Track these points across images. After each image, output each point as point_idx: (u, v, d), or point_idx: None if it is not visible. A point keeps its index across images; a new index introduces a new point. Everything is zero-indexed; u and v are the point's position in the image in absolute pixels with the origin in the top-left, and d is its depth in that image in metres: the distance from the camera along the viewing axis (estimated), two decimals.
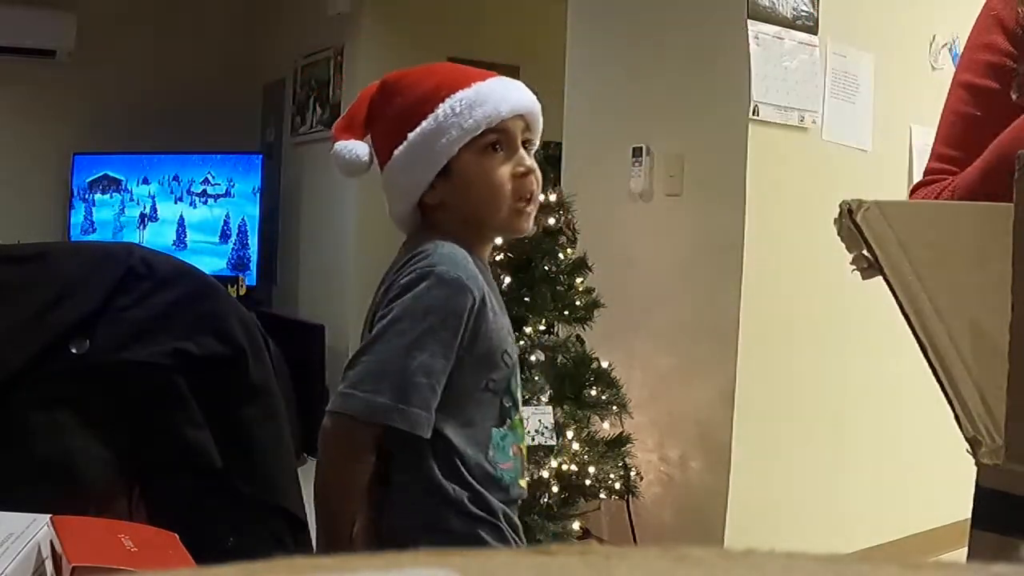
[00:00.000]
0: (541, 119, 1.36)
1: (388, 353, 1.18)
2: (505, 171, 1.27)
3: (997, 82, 1.07)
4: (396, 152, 1.29)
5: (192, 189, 4.63)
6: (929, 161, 1.15)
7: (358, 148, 1.32)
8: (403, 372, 1.17)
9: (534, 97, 1.34)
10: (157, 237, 4.64)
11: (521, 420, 1.34)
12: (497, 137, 1.27)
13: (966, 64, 1.19)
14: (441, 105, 1.26)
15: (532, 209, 1.31)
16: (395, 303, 1.20)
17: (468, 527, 1.21)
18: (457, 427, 1.24)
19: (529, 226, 1.33)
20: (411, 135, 1.27)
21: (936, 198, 1.13)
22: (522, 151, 1.29)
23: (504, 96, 1.29)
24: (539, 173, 1.32)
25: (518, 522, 1.30)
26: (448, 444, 1.23)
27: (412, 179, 1.30)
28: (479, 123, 1.26)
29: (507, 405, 1.30)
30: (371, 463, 1.18)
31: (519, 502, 1.32)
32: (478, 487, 1.22)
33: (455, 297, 1.22)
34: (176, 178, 4.65)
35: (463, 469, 1.22)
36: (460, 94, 1.27)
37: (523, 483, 1.33)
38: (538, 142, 1.37)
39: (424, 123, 1.26)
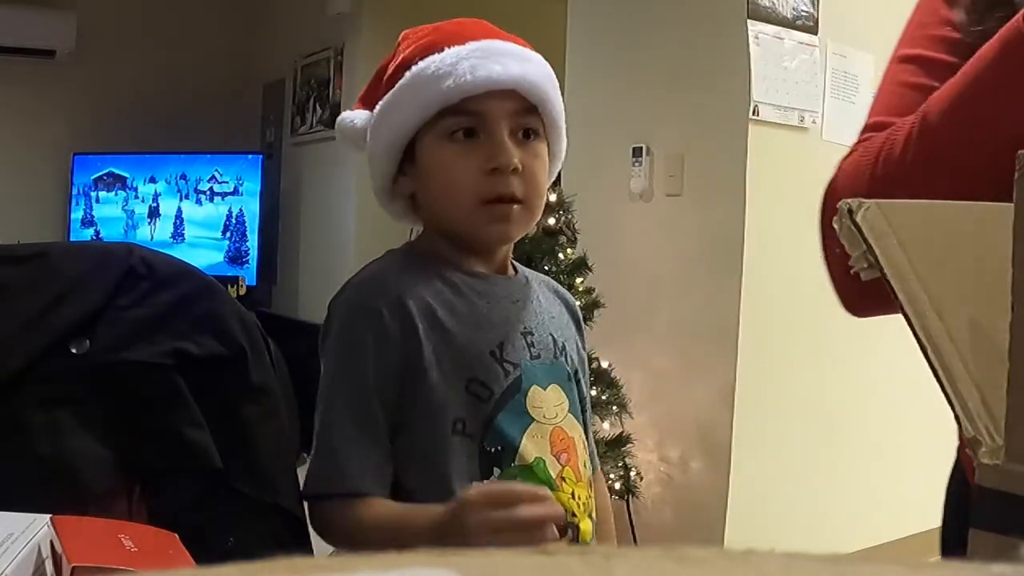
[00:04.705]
0: (553, 97, 1.04)
1: (318, 433, 1.00)
2: (468, 165, 0.99)
3: (952, 55, 0.95)
4: (369, 127, 1.06)
5: (199, 187, 4.64)
6: (863, 132, 0.95)
7: (357, 116, 1.08)
8: (329, 455, 0.98)
9: (535, 69, 1.03)
10: (164, 234, 4.65)
11: (535, 467, 1.00)
12: (468, 121, 0.99)
13: (911, 40, 1.03)
14: (410, 71, 1.01)
15: (510, 211, 1.01)
16: (320, 355, 1.03)
17: None
18: (425, 482, 0.99)
19: (508, 232, 1.04)
20: (377, 107, 1.05)
21: (884, 144, 0.87)
22: (504, 141, 0.99)
23: (476, 67, 0.99)
24: (532, 170, 1.02)
25: None
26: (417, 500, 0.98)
27: (375, 161, 1.06)
28: (433, 100, 0.99)
29: (491, 450, 0.99)
30: (362, 516, 0.97)
31: None
32: None
33: (356, 325, 1.00)
34: (184, 176, 4.65)
35: None
36: (430, 59, 1.00)
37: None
38: (558, 129, 1.06)
39: (389, 93, 1.03)
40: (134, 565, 0.58)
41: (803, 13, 2.88)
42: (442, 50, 1.00)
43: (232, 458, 1.00)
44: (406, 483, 1.00)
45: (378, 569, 0.20)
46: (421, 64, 1.00)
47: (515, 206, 1.01)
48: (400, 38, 1.09)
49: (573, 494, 1.02)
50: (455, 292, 1.04)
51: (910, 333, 0.64)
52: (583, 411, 1.12)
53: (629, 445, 2.76)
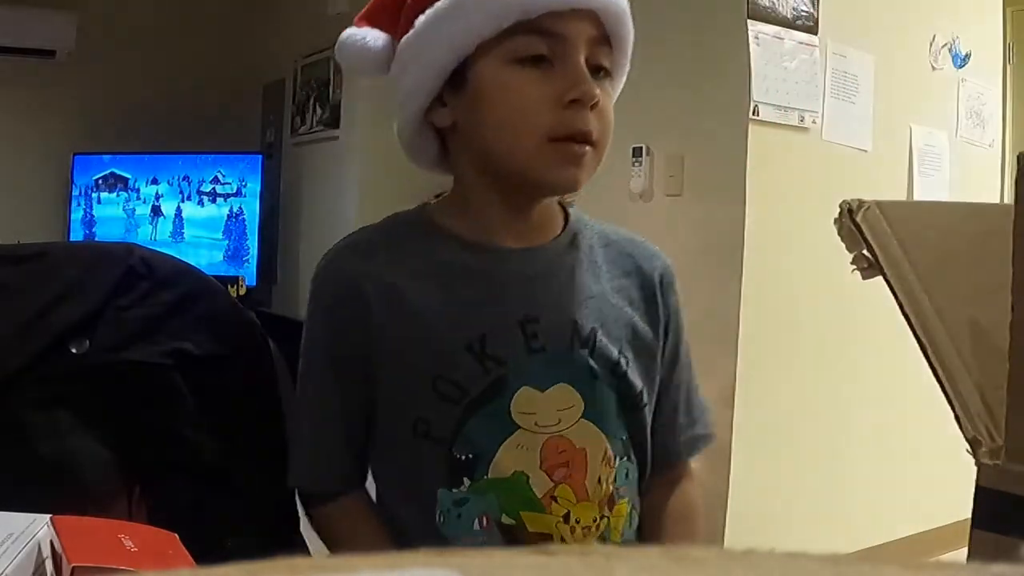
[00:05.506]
0: (630, 28, 0.93)
1: (292, 422, 0.97)
2: (540, 94, 0.85)
3: None
4: (400, 44, 0.91)
5: (202, 189, 4.64)
6: None
7: (370, 36, 0.93)
8: (294, 445, 0.97)
9: None
10: (164, 234, 4.66)
11: (514, 482, 0.88)
12: (543, 44, 0.85)
13: None
14: None
15: (584, 153, 0.88)
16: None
17: None
18: (388, 478, 0.94)
19: (577, 178, 0.90)
20: (419, 20, 0.89)
21: None
22: (581, 68, 0.86)
23: None
24: (606, 108, 0.89)
25: None
26: (384, 498, 0.95)
27: (411, 84, 0.90)
28: (509, 10, 0.84)
29: (461, 457, 0.87)
30: (337, 525, 0.95)
31: None
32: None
33: (316, 302, 0.94)
34: (186, 178, 4.66)
35: (400, 530, 0.92)
36: None
37: None
38: (623, 69, 0.95)
39: (439, 3, 0.87)
40: (134, 565, 0.58)
41: (803, 13, 2.88)
42: None
43: (232, 458, 1.00)
44: (378, 483, 0.95)
45: (379, 569, 0.20)
46: None
47: (587, 148, 0.88)
48: None
49: (567, 516, 0.89)
50: (441, 273, 0.91)
51: (909, 333, 0.65)
52: (637, 406, 0.95)
53: None
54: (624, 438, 0.95)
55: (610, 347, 0.93)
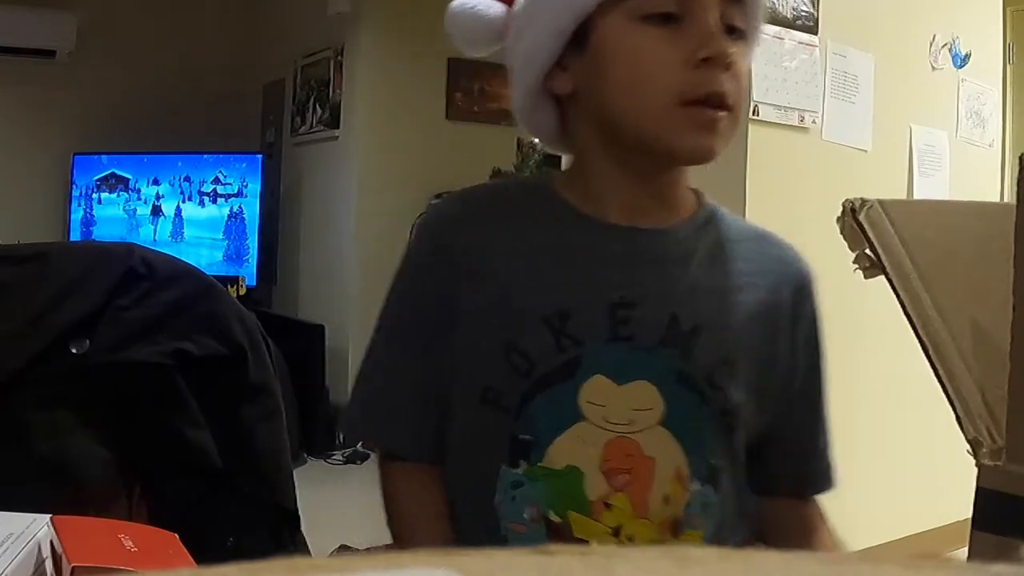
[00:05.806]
0: None
1: (363, 362, 0.90)
2: (669, 54, 0.77)
3: None
4: (515, 7, 0.86)
5: (202, 189, 4.64)
6: None
7: (481, 3, 0.87)
8: (360, 381, 0.89)
9: None
10: (165, 235, 4.66)
11: (565, 477, 0.79)
12: (670, 1, 0.78)
13: None
14: None
15: (716, 119, 0.79)
16: None
17: None
18: (452, 446, 0.86)
19: (712, 146, 0.80)
20: None
21: None
22: (714, 25, 0.78)
23: None
24: (742, 70, 0.80)
25: None
26: (445, 471, 0.87)
27: (529, 48, 0.83)
28: None
29: (522, 436, 0.79)
30: (397, 486, 0.87)
31: None
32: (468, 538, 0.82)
33: (412, 253, 0.89)
34: (187, 179, 4.66)
35: (456, 506, 0.85)
36: None
37: None
38: (757, 32, 0.85)
39: None
40: (134, 565, 0.58)
41: (803, 13, 2.88)
42: None
43: (232, 458, 1.00)
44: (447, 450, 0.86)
45: (379, 569, 0.20)
46: None
47: (722, 113, 0.79)
48: None
49: (618, 531, 0.78)
50: (541, 241, 0.84)
51: (911, 333, 0.64)
52: (732, 426, 0.83)
53: None
54: (714, 462, 0.83)
55: (711, 352, 0.82)
